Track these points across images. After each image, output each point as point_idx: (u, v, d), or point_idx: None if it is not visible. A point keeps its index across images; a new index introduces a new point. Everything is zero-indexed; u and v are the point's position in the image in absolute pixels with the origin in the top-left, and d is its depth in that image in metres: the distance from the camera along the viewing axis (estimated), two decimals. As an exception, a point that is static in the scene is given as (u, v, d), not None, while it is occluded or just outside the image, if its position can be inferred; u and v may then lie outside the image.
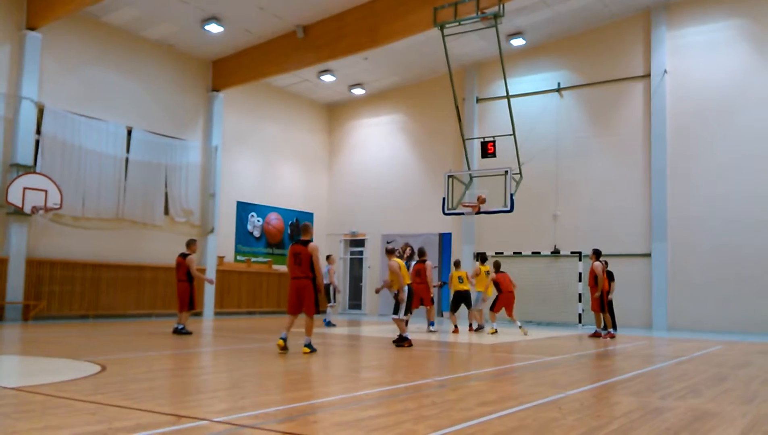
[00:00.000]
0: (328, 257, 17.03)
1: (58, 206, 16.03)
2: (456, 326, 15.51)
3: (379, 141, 24.92)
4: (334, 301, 17.01)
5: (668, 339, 15.18)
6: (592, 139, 20.61)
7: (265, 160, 23.45)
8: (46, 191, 15.73)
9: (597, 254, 14.58)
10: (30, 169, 15.88)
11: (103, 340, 11.47)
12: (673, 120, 19.29)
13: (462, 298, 15.74)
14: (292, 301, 9.68)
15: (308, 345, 9.65)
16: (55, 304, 16.50)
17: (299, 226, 24.43)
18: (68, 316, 16.73)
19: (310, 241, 9.79)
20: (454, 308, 15.79)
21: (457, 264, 16.46)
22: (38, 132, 16.38)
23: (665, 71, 19.46)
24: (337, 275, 17.36)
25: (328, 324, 16.54)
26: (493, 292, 16.11)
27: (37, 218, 16.08)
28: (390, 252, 12.06)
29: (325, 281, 16.20)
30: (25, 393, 5.57)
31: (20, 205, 15.27)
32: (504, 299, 15.37)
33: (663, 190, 19.13)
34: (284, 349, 9.55)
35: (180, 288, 12.86)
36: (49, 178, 15.95)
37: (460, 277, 15.88)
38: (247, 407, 5.22)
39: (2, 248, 15.55)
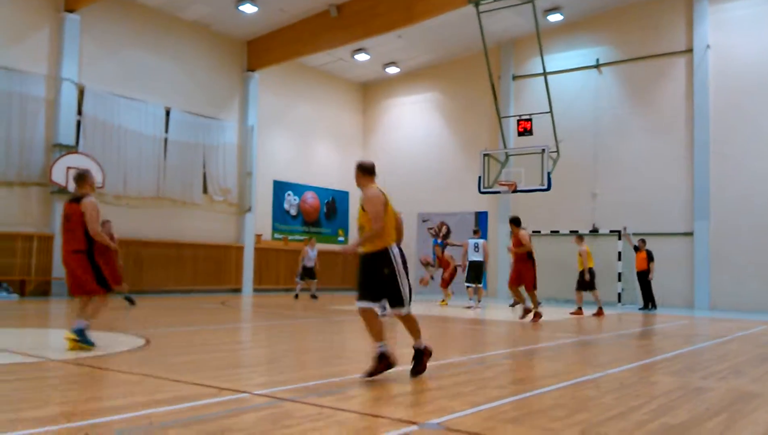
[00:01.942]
0: (309, 240, 18.41)
1: (100, 185, 16.35)
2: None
3: (414, 119, 24.79)
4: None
5: (710, 319, 14.93)
6: (631, 116, 20.19)
7: (301, 139, 23.55)
8: (88, 170, 16.04)
9: (516, 223, 12.77)
10: (72, 149, 16.23)
11: (146, 315, 11.75)
12: (716, 96, 18.77)
13: (476, 267, 15.82)
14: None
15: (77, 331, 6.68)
16: (98, 280, 16.90)
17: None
18: (112, 292, 17.13)
19: (86, 196, 7.10)
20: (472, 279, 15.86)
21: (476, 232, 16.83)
22: (79, 112, 16.71)
23: (708, 46, 18.90)
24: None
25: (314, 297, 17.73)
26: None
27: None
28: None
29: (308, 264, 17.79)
30: (72, 365, 5.75)
31: (64, 184, 15.64)
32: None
33: (706, 168, 18.69)
34: None
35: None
36: (91, 158, 16.28)
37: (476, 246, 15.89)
38: (286, 381, 5.31)
39: (48, 226, 15.98)
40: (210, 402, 4.40)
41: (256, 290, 20.89)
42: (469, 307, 15.49)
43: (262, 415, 4.09)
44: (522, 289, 12.86)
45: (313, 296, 17.82)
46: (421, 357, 5.70)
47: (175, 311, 12.80)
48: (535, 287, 12.55)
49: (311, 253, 17.87)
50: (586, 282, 14.65)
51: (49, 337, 8.50)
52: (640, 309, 17.30)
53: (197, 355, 6.80)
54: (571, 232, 20.38)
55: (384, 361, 5.50)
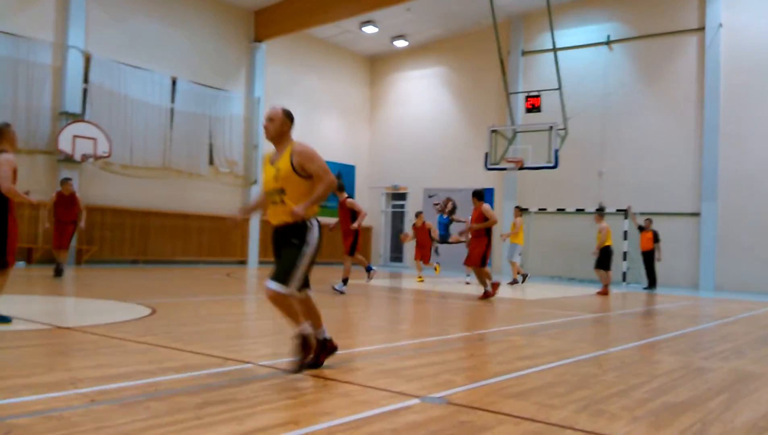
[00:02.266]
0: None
1: (107, 154, 16.38)
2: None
3: (422, 94, 24.63)
4: None
5: (714, 300, 14.94)
6: (641, 94, 20.00)
7: (307, 112, 23.44)
8: (95, 139, 16.06)
9: (478, 196, 11.85)
10: (79, 118, 16.21)
11: (152, 284, 11.83)
12: (727, 76, 18.56)
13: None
14: None
15: None
16: (106, 249, 17.03)
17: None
18: (119, 261, 17.26)
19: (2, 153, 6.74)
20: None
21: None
22: (85, 81, 16.65)
23: (720, 24, 18.64)
24: None
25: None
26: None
27: (87, 166, 16.48)
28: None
29: None
30: (79, 333, 5.81)
31: (71, 153, 15.66)
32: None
33: (715, 149, 18.55)
34: None
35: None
36: (98, 127, 16.27)
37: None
38: (290, 353, 5.35)
39: (54, 195, 16.01)
40: (215, 371, 4.44)
41: (261, 262, 20.98)
42: (468, 283, 15.53)
43: (266, 385, 4.14)
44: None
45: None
46: (312, 348, 4.61)
47: (181, 282, 12.88)
48: (483, 264, 11.58)
49: None
50: (601, 259, 14.49)
51: (55, 305, 8.58)
52: (644, 289, 17.33)
53: (202, 326, 6.86)
54: (577, 210, 20.34)
55: (308, 347, 4.56)
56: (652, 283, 17.28)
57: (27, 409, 3.26)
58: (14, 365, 4.37)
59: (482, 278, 11.67)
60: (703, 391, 4.65)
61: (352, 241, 11.91)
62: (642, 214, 18.69)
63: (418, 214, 17.09)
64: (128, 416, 3.23)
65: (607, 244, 14.50)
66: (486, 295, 11.51)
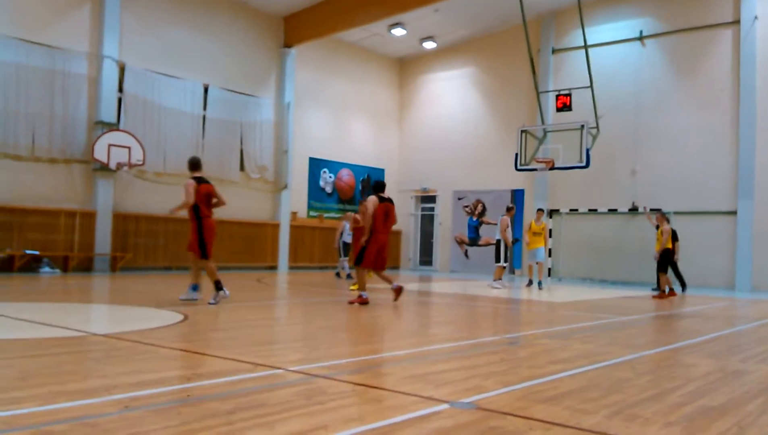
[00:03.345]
0: (346, 215, 17.90)
1: (141, 162, 16.67)
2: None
3: (451, 95, 24.56)
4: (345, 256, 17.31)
5: (751, 300, 14.60)
6: (675, 90, 19.66)
7: (337, 115, 23.56)
8: (129, 148, 16.37)
9: (378, 188, 10.50)
10: (114, 127, 16.53)
11: (184, 290, 11.96)
12: (763, 69, 18.13)
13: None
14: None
15: None
16: (140, 256, 17.33)
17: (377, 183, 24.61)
18: (152, 268, 17.54)
19: None
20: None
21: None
22: (120, 90, 16.98)
23: (756, 17, 18.23)
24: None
25: (347, 276, 16.93)
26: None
27: (122, 174, 16.79)
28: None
29: (347, 240, 17.02)
30: (113, 340, 5.91)
31: (106, 162, 15.98)
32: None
33: (752, 145, 18.13)
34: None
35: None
36: (132, 135, 16.57)
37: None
38: (320, 358, 5.38)
39: (90, 203, 16.36)
40: (246, 377, 4.49)
41: (291, 268, 21.13)
42: (495, 287, 15.15)
43: (296, 390, 4.16)
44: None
45: (346, 275, 17.07)
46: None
47: (213, 288, 12.98)
48: (363, 263, 10.15)
49: (347, 226, 17.33)
50: (661, 262, 14.15)
51: (91, 312, 8.75)
52: (653, 289, 16.82)
53: (234, 331, 6.93)
54: (609, 210, 20.05)
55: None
56: (663, 284, 16.76)
57: (62, 416, 3.33)
58: (50, 372, 4.47)
59: (361, 280, 10.14)
60: (739, 394, 4.55)
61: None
62: (677, 213, 18.36)
63: (362, 202, 13.92)
64: (161, 422, 3.28)
65: (668, 246, 14.17)
66: (396, 293, 10.25)
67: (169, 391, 4.01)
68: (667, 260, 14.18)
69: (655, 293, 14.79)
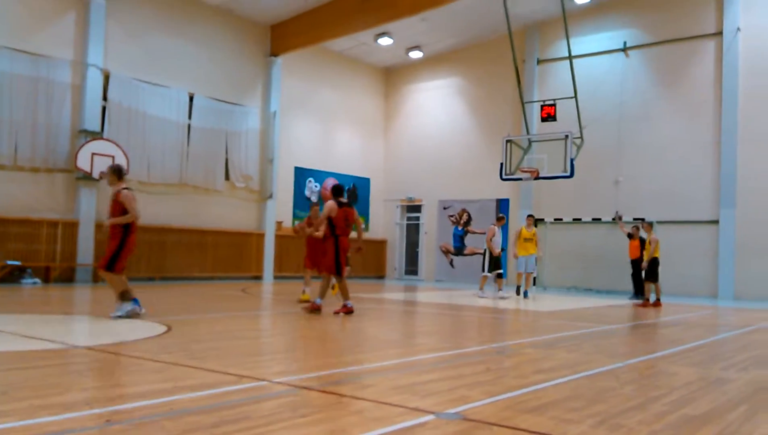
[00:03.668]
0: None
1: (125, 171, 16.53)
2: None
3: (437, 105, 24.66)
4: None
5: (734, 309, 14.74)
6: (658, 100, 19.87)
7: (322, 125, 23.56)
8: (113, 157, 16.23)
9: (117, 173, 8.96)
10: (97, 135, 16.41)
11: (168, 301, 11.90)
12: (746, 80, 18.39)
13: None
14: None
15: None
16: (123, 265, 17.15)
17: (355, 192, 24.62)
18: (135, 278, 17.35)
19: None
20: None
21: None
22: (104, 98, 16.87)
23: (738, 29, 18.50)
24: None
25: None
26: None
27: (105, 183, 16.62)
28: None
29: None
30: (96, 352, 5.85)
31: (89, 171, 15.84)
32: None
33: (733, 155, 18.36)
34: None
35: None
36: (116, 144, 16.46)
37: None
38: (305, 369, 5.36)
39: (73, 212, 16.21)
40: (230, 389, 4.45)
41: (276, 277, 21.04)
42: (481, 296, 15.09)
43: (282, 402, 4.14)
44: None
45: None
46: None
47: (197, 298, 12.93)
48: (342, 272, 10.06)
49: None
50: (648, 271, 14.27)
51: (73, 324, 8.66)
52: (631, 298, 16.96)
53: (218, 343, 6.88)
54: (593, 219, 20.18)
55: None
56: (639, 291, 16.90)
57: (42, 430, 3.28)
58: (30, 386, 4.41)
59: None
60: (722, 402, 4.59)
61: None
62: (660, 222, 18.52)
63: (312, 206, 13.43)
64: (142, 436, 3.24)
65: (655, 255, 14.28)
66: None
67: (152, 404, 3.97)
68: (655, 269, 14.28)
69: (638, 302, 14.87)
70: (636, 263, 16.78)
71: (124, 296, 8.55)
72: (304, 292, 12.34)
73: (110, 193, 8.94)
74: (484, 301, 14.07)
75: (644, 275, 14.54)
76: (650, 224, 15.08)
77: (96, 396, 4.08)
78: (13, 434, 3.21)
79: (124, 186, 8.74)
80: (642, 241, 16.80)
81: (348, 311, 9.89)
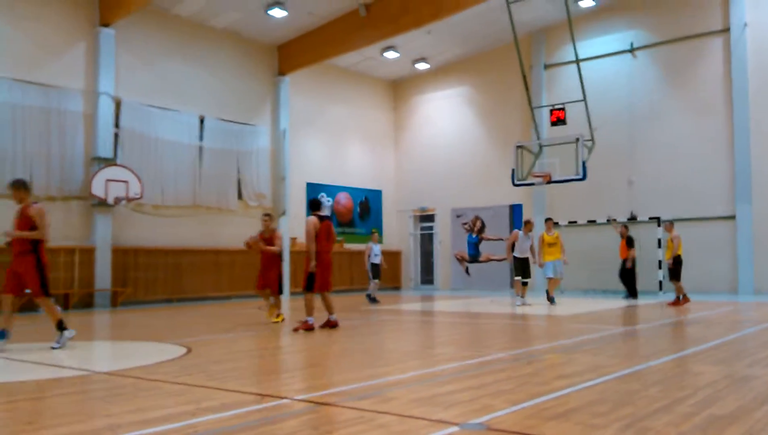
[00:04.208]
0: (373, 234, 17.49)
1: (139, 196, 16.69)
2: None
3: (445, 115, 24.68)
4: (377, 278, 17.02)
5: (755, 304, 14.56)
6: (668, 99, 19.77)
7: (332, 140, 23.64)
8: (127, 182, 16.39)
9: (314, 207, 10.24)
10: (111, 162, 16.57)
11: (187, 323, 11.94)
12: (755, 75, 18.27)
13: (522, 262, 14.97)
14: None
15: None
16: (140, 289, 17.27)
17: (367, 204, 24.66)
18: (153, 301, 17.47)
19: None
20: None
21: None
22: (116, 125, 17.04)
23: (745, 24, 18.40)
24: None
25: (372, 300, 16.70)
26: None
27: (120, 208, 16.79)
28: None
29: (375, 261, 16.84)
30: (116, 377, 5.88)
31: (104, 197, 15.99)
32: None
33: (747, 150, 18.20)
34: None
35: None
36: (130, 170, 16.60)
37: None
38: (325, 385, 5.35)
39: (89, 238, 16.34)
40: (253, 409, 4.45)
41: (292, 294, 21.05)
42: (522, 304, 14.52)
43: (304, 420, 4.13)
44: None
45: (373, 299, 16.77)
46: None
47: (214, 318, 12.97)
48: (314, 289, 9.82)
49: (376, 248, 16.91)
50: (673, 270, 14.19)
51: (93, 350, 8.70)
52: (625, 297, 16.80)
53: (237, 362, 6.89)
54: (608, 220, 20.07)
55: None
56: (631, 291, 16.78)
57: (68, 458, 3.29)
58: (54, 414, 4.43)
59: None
60: (748, 401, 4.52)
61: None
62: (676, 219, 18.35)
63: (266, 216, 11.79)
64: (167, 460, 3.24)
65: (678, 253, 14.21)
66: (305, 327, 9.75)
67: (176, 428, 3.97)
68: (679, 267, 14.19)
69: (671, 301, 14.72)
70: (624, 263, 16.70)
71: (60, 325, 7.90)
72: (278, 314, 11.49)
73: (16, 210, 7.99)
74: (521, 309, 13.79)
75: (669, 274, 14.44)
76: (671, 223, 14.95)
77: (119, 422, 4.09)
78: (39, 463, 3.23)
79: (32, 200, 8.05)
80: (629, 240, 16.69)
81: (308, 328, 9.60)
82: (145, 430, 3.87)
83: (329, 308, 10.03)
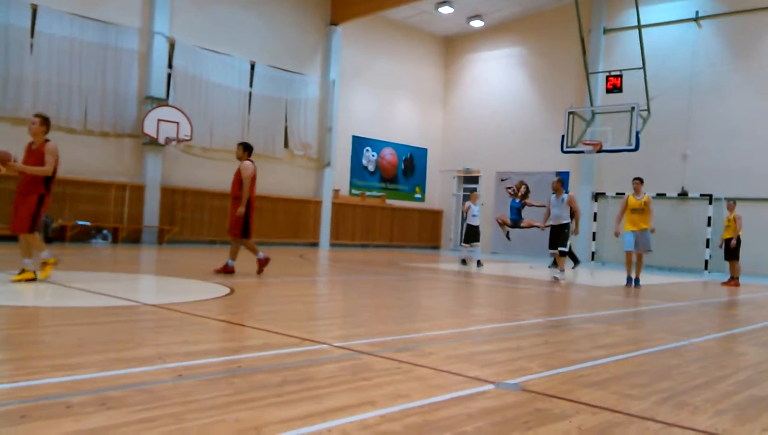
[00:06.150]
0: (471, 195, 16.32)
1: (188, 138, 16.94)
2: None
3: (497, 75, 24.24)
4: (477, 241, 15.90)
5: (805, 290, 14.18)
6: (731, 73, 19.02)
7: (381, 94, 23.50)
8: (178, 123, 16.64)
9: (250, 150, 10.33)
10: (163, 102, 16.81)
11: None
12: (827, 52, 17.43)
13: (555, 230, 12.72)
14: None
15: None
16: (186, 229, 17.68)
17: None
18: (198, 241, 17.88)
19: None
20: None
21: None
22: (170, 66, 17.22)
23: (822, -3, 17.50)
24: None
25: (478, 264, 15.80)
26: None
27: (170, 148, 17.09)
28: None
29: (473, 222, 15.66)
30: (164, 310, 6.07)
31: (155, 136, 16.28)
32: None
33: (810, 131, 17.51)
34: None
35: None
36: (181, 111, 16.83)
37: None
38: (364, 335, 5.44)
39: (139, 176, 16.72)
40: (293, 351, 4.56)
41: (332, 245, 21.29)
42: (557, 279, 12.44)
43: (343, 366, 4.22)
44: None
45: (478, 263, 15.74)
46: None
47: (256, 263, 13.17)
48: (250, 234, 9.96)
49: (474, 208, 15.62)
50: (733, 250, 13.89)
51: (141, 283, 8.99)
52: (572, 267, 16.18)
53: (278, 306, 7.03)
54: (658, 194, 19.63)
55: None
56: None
57: (119, 382, 3.44)
58: (106, 340, 4.62)
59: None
60: (793, 386, 4.44)
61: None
62: (728, 198, 17.85)
63: (36, 117, 7.77)
64: (214, 391, 3.36)
65: (740, 233, 13.96)
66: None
67: (220, 361, 4.11)
68: (738, 247, 13.92)
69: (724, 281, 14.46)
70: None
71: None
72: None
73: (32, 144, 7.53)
74: (537, 273, 13.85)
75: (726, 254, 14.16)
76: (734, 202, 14.56)
77: (167, 352, 4.24)
78: (93, 384, 3.38)
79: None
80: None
81: (266, 262, 9.98)
82: (192, 361, 4.01)
83: (235, 255, 9.98)
